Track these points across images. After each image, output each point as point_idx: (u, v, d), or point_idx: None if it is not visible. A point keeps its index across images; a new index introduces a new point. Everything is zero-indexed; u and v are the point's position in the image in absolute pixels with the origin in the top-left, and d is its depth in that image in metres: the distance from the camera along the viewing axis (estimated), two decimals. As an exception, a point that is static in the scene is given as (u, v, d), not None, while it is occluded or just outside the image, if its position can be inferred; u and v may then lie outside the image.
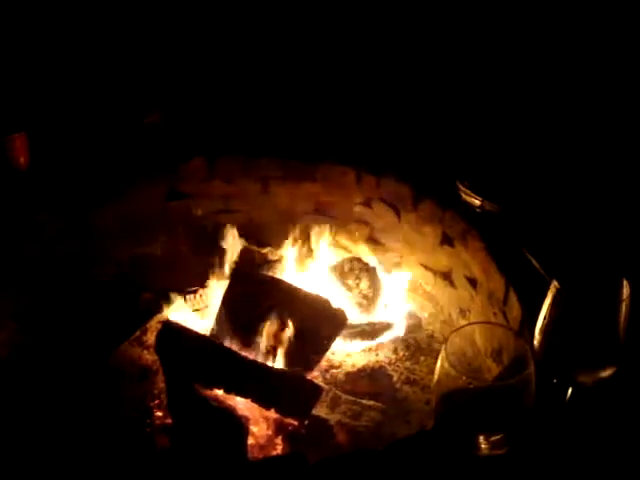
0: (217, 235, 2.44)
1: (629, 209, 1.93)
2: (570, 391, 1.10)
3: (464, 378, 0.87)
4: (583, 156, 2.12)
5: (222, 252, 2.42)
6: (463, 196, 2.17)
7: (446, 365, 0.89)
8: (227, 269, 2.38)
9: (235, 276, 2.22)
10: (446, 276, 2.38)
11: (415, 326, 2.42)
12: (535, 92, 2.37)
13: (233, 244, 2.44)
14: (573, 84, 2.29)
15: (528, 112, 2.36)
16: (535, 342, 1.08)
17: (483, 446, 0.93)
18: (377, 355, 2.27)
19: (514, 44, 2.42)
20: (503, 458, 0.95)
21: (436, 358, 2.26)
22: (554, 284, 1.02)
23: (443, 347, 0.90)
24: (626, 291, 1.00)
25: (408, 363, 2.26)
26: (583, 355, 1.04)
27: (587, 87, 2.26)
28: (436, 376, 0.92)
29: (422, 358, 2.29)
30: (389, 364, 2.24)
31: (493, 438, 0.92)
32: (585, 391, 1.08)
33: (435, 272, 2.43)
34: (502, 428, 0.92)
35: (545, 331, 1.06)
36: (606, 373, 1.04)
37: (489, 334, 1.75)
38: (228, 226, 2.45)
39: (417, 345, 2.34)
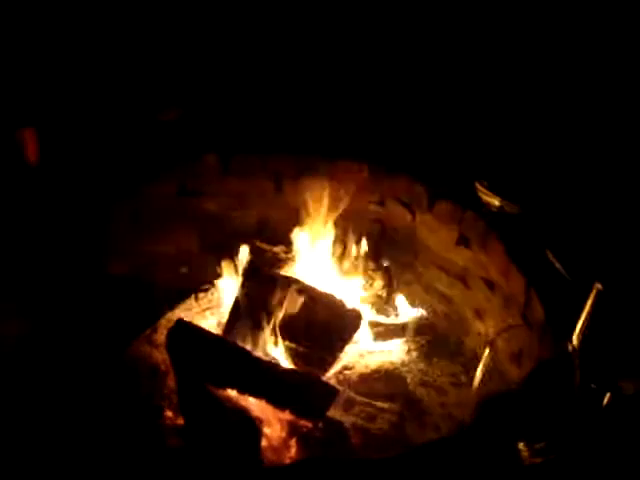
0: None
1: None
2: (609, 397, 1.07)
3: (511, 381, 0.84)
4: (610, 155, 2.08)
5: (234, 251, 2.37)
6: (482, 197, 2.13)
7: (490, 367, 0.85)
8: (239, 268, 2.34)
9: (248, 275, 2.18)
10: (461, 277, 2.34)
11: (428, 327, 2.39)
12: (558, 90, 2.34)
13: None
14: (598, 82, 2.25)
15: (548, 109, 2.32)
16: (571, 346, 1.04)
17: (524, 454, 0.90)
18: (390, 356, 2.24)
19: (534, 42, 2.39)
20: (543, 466, 0.91)
21: (449, 360, 2.23)
22: (597, 287, 0.99)
23: (487, 349, 0.87)
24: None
25: (422, 365, 2.22)
26: (626, 360, 1.00)
27: (612, 86, 2.23)
28: (478, 379, 0.89)
29: (435, 359, 2.25)
30: (402, 365, 2.21)
31: (536, 446, 0.89)
32: (625, 398, 1.04)
33: (449, 273, 2.40)
34: (544, 435, 0.89)
35: (584, 335, 1.03)
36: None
37: (509, 337, 1.72)
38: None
39: (430, 346, 2.31)
